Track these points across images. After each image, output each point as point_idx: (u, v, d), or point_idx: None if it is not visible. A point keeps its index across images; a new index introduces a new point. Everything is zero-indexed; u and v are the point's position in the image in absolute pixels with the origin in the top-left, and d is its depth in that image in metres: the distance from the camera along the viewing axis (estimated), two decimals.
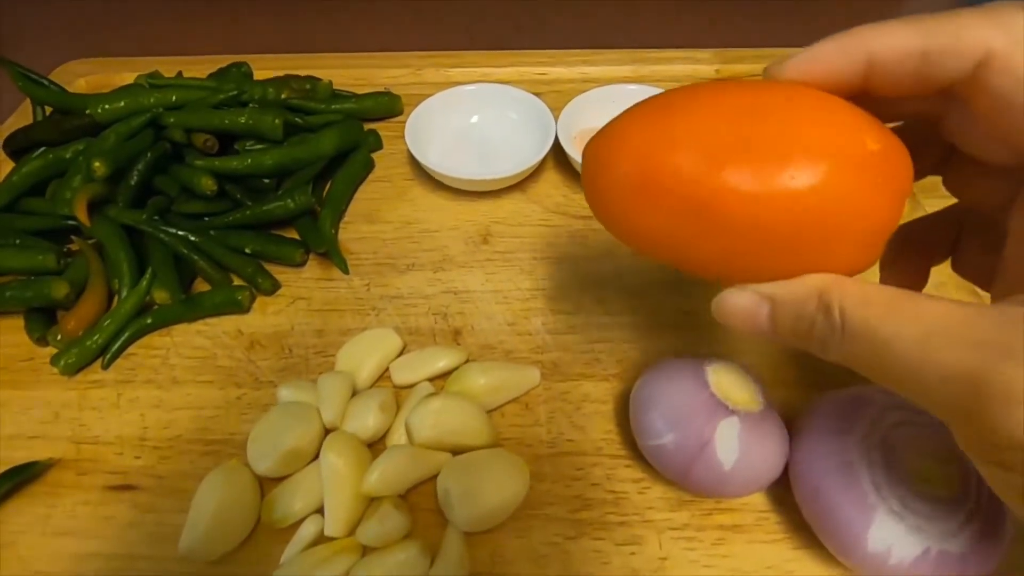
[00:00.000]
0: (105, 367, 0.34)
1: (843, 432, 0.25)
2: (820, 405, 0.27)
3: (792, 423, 0.28)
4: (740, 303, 0.20)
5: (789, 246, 0.19)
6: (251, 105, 0.43)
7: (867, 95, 0.19)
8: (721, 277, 0.21)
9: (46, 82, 0.43)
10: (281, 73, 0.51)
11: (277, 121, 0.41)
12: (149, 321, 0.35)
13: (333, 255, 0.38)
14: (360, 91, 0.50)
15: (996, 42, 0.16)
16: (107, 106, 0.40)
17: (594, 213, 0.23)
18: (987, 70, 0.17)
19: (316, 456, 0.29)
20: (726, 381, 0.26)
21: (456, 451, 0.29)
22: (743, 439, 0.25)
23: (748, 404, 0.26)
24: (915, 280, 0.25)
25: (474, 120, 0.46)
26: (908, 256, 0.25)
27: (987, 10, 0.17)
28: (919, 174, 0.21)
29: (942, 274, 0.26)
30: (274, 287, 0.37)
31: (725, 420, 0.25)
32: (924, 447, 0.24)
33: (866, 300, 0.17)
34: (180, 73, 0.47)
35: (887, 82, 0.19)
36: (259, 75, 0.50)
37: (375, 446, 0.30)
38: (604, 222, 0.23)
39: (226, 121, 0.40)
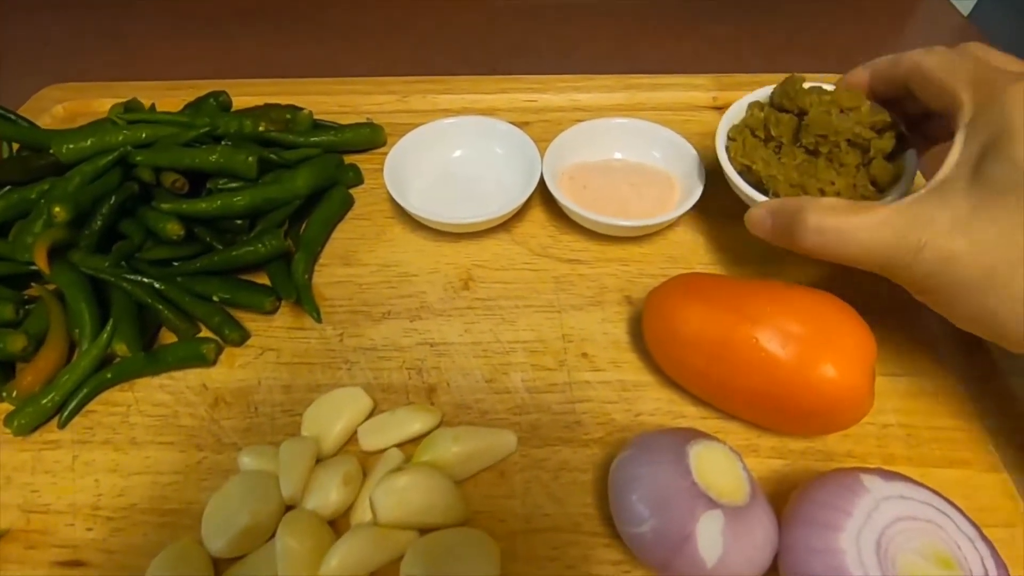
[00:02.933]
0: (61, 426, 0.32)
1: (835, 527, 0.23)
2: (812, 491, 0.25)
3: (782, 504, 0.26)
4: (755, 215, 0.31)
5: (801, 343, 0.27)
6: (224, 142, 0.41)
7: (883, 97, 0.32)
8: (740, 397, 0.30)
9: (13, 117, 0.42)
10: (264, 99, 0.49)
11: (250, 159, 0.39)
12: (109, 376, 0.33)
13: (305, 303, 0.36)
14: (344, 118, 0.49)
15: (916, 55, 0.29)
16: (71, 145, 0.38)
17: (652, 353, 0.32)
18: (912, 71, 0.29)
19: (274, 534, 0.27)
20: (710, 465, 0.24)
21: (424, 529, 0.27)
22: (727, 535, 0.23)
23: (733, 495, 0.24)
24: None
25: (457, 154, 0.44)
26: None
27: (923, 48, 0.29)
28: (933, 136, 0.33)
29: None
30: (242, 338, 0.35)
31: (708, 513, 0.23)
32: (922, 547, 0.22)
33: (831, 209, 0.27)
34: (154, 106, 0.46)
35: (880, 83, 0.32)
36: (241, 101, 0.49)
37: (339, 521, 0.28)
38: (660, 362, 0.32)
39: (196, 160, 0.39)
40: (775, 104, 0.35)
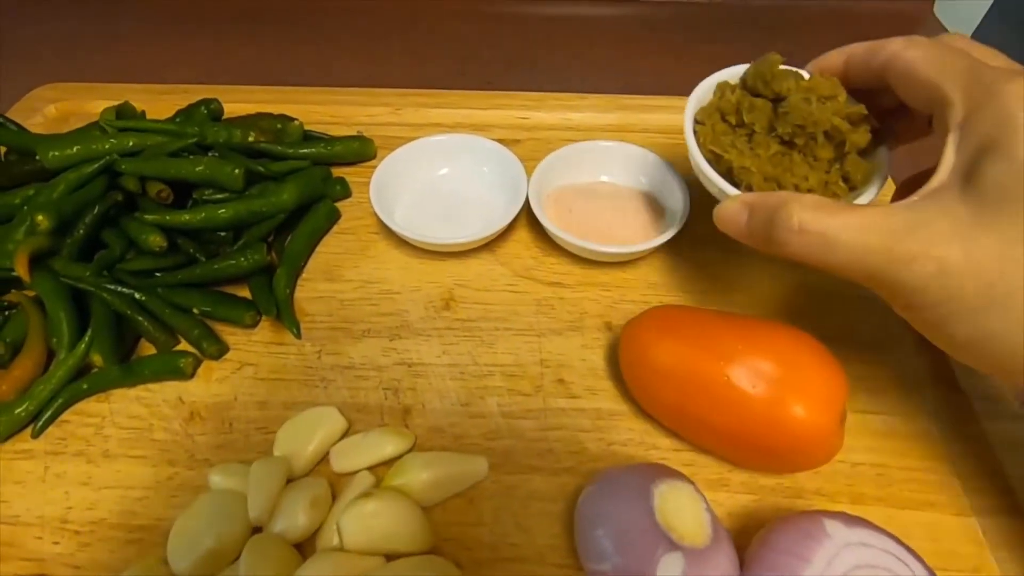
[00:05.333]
0: (35, 436, 0.32)
1: (795, 575, 0.23)
2: (774, 535, 0.25)
3: (749, 541, 0.26)
4: (729, 209, 0.28)
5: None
6: (212, 152, 0.41)
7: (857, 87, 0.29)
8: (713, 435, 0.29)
9: (2, 120, 0.42)
10: (256, 106, 0.49)
11: (237, 171, 0.39)
12: (85, 387, 0.33)
13: (285, 319, 0.36)
14: (336, 129, 0.49)
15: (897, 46, 0.26)
16: (57, 152, 0.38)
17: (627, 385, 0.32)
18: (891, 63, 0.26)
19: (239, 556, 0.27)
20: (673, 506, 0.24)
21: (390, 556, 0.27)
22: None
23: (694, 537, 0.24)
24: None
25: (444, 172, 0.44)
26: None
27: (906, 36, 0.26)
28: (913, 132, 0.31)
29: None
30: (220, 352, 0.36)
31: (668, 556, 0.23)
32: None
33: (818, 206, 0.24)
34: (144, 112, 0.46)
35: (855, 72, 0.29)
36: (233, 108, 0.49)
37: (306, 544, 0.28)
38: (635, 394, 0.32)
39: (182, 170, 0.39)
40: (748, 87, 0.31)
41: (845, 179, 0.30)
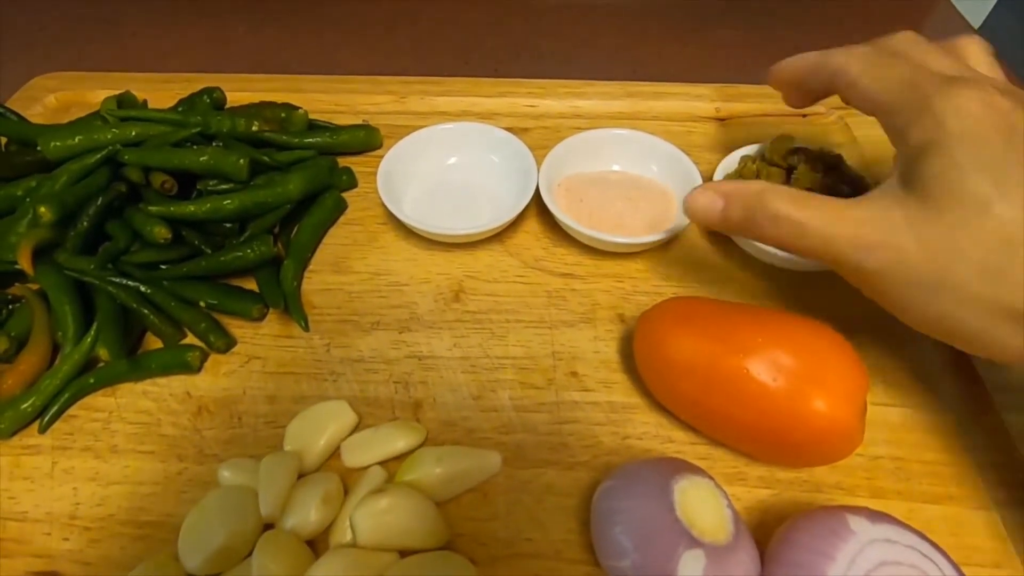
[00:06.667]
0: (42, 431, 0.32)
1: (818, 572, 0.22)
2: (796, 531, 0.24)
3: (767, 536, 0.26)
4: (702, 199, 0.30)
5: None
6: (216, 142, 0.40)
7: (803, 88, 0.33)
8: (729, 426, 0.29)
9: (2, 110, 0.41)
10: (259, 95, 0.49)
11: (242, 162, 0.38)
12: (91, 381, 0.33)
13: (293, 311, 0.36)
14: (340, 118, 0.48)
15: (839, 60, 0.29)
16: (58, 143, 0.37)
17: (642, 378, 0.32)
18: (837, 78, 0.29)
19: (252, 552, 0.27)
20: (695, 502, 0.24)
21: (404, 552, 0.27)
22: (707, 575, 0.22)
23: (716, 533, 0.23)
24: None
25: (452, 161, 0.43)
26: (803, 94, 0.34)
27: (848, 48, 0.29)
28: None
29: None
30: (228, 346, 0.35)
31: (689, 553, 0.22)
32: None
33: (792, 198, 0.27)
34: (146, 102, 0.45)
35: (812, 81, 0.31)
36: (236, 97, 0.48)
37: (318, 540, 0.28)
38: (650, 387, 0.32)
39: (186, 161, 0.38)
40: (766, 159, 0.39)
41: None
